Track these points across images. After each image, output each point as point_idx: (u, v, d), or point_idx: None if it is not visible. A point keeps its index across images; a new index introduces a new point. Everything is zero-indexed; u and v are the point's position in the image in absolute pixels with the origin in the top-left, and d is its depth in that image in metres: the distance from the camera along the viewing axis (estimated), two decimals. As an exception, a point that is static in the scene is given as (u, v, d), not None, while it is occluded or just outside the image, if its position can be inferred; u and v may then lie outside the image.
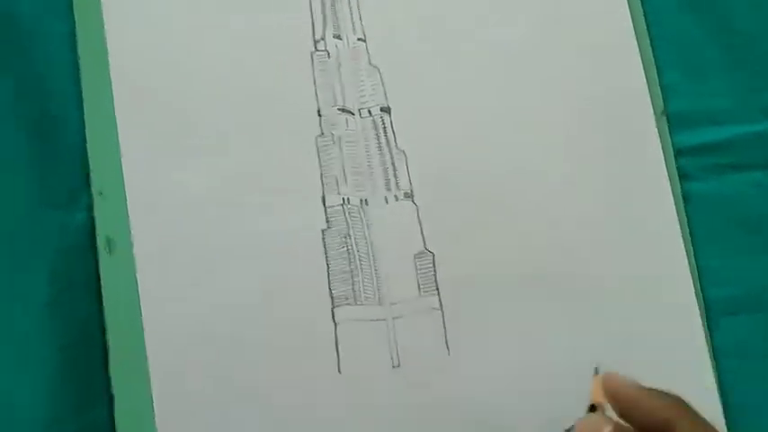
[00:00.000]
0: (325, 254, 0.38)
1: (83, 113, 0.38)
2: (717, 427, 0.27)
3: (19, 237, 0.37)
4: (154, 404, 0.35)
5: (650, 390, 0.28)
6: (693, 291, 0.39)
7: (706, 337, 0.39)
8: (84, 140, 0.38)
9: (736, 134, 0.41)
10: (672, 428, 0.26)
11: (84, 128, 0.38)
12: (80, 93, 0.39)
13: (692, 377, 0.38)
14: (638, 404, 0.28)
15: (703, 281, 0.39)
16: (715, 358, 0.39)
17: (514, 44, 0.41)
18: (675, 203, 0.40)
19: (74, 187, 0.38)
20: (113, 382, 0.36)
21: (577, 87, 0.41)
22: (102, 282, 0.37)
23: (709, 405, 0.37)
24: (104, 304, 0.36)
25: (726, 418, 0.38)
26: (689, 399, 0.27)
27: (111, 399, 0.36)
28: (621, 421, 0.28)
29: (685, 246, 0.39)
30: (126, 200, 0.37)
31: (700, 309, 0.39)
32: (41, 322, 0.36)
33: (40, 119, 0.39)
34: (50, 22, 0.39)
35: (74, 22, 0.39)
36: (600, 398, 0.29)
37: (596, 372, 0.30)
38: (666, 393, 0.28)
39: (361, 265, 0.38)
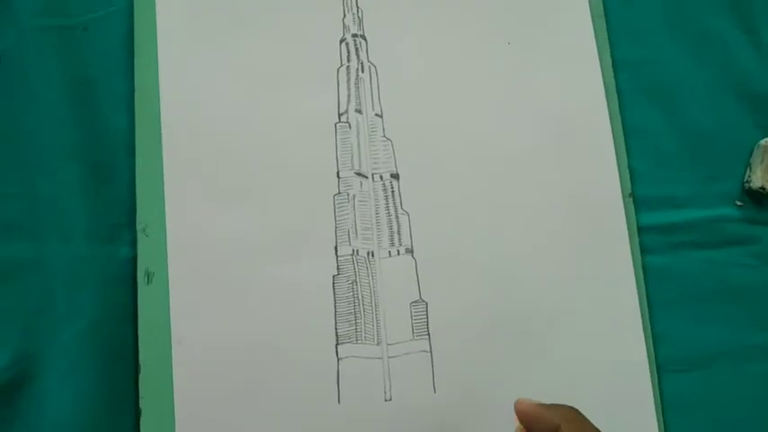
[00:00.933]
0: (334, 297, 0.41)
1: (134, 163, 0.42)
2: None
3: (71, 266, 0.40)
4: (175, 418, 0.38)
5: (548, 405, 0.31)
6: (647, 350, 0.41)
7: (655, 391, 0.41)
8: (134, 186, 0.41)
9: (693, 217, 0.44)
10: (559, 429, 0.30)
11: (134, 176, 0.42)
12: (133, 145, 0.42)
13: (639, 428, 0.40)
14: (537, 418, 0.31)
15: (656, 342, 0.42)
16: (663, 410, 0.41)
17: (504, 131, 0.44)
18: (636, 274, 0.42)
19: (121, 225, 0.41)
20: (141, 397, 0.39)
21: (560, 174, 0.43)
22: (139, 308, 0.40)
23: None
24: (139, 328, 0.39)
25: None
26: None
27: (138, 411, 0.38)
28: None
29: (642, 311, 0.42)
30: (166, 239, 0.40)
31: (651, 366, 0.41)
32: (85, 341, 0.39)
33: (96, 166, 0.42)
34: (113, 81, 0.43)
35: (133, 83, 0.43)
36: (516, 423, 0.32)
37: None
38: (560, 405, 0.31)
39: (364, 308, 0.41)
